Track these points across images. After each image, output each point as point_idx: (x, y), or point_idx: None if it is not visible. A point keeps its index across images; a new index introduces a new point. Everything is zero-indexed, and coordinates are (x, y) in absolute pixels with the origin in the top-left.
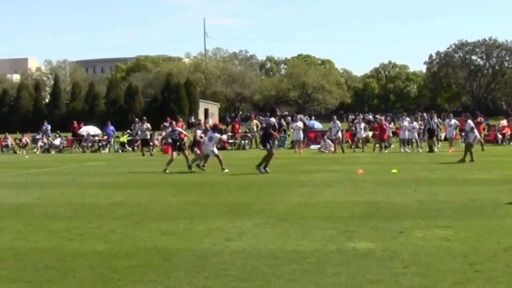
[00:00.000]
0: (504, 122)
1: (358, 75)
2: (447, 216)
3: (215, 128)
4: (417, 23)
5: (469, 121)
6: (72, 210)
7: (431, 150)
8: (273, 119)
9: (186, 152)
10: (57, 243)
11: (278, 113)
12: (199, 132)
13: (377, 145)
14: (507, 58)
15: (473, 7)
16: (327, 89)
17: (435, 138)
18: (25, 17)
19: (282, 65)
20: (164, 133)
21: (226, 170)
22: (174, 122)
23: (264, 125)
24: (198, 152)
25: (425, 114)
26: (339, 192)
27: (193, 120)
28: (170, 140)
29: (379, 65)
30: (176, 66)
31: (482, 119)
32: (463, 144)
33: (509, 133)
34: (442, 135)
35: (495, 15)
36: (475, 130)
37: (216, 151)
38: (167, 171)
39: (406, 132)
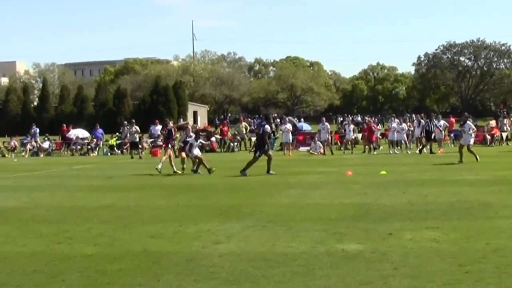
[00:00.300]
0: (492, 123)
1: (347, 77)
2: (436, 217)
3: (195, 133)
4: (405, 24)
5: (469, 122)
6: (60, 213)
7: (421, 151)
8: (268, 127)
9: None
10: (46, 246)
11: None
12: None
13: (366, 146)
14: (495, 59)
15: (461, 8)
16: (315, 91)
17: (423, 140)
18: (14, 20)
19: (271, 67)
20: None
21: (200, 172)
22: (171, 123)
23: (253, 128)
24: (183, 155)
25: (414, 115)
26: (328, 194)
27: (181, 122)
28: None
29: (368, 67)
30: (164, 69)
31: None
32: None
33: (497, 134)
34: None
35: (483, 16)
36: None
37: (193, 153)
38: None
39: (395, 134)
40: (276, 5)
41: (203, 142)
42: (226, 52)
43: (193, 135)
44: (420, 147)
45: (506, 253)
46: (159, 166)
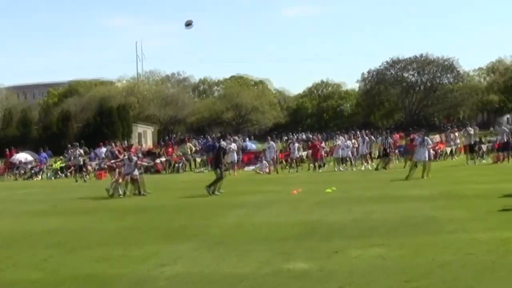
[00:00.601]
0: (437, 138)
1: (294, 94)
2: (381, 234)
3: (128, 152)
4: (352, 41)
5: (427, 138)
6: (4, 239)
7: (385, 167)
8: (224, 143)
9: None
10: None
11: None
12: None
13: (311, 164)
14: (439, 74)
15: (407, 24)
16: (260, 110)
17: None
18: None
19: (216, 87)
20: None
21: (144, 193)
22: (114, 145)
23: (198, 149)
24: (120, 180)
25: (359, 132)
26: (275, 213)
27: (126, 144)
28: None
29: (312, 85)
30: (109, 90)
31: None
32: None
33: (442, 148)
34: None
35: (428, 31)
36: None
37: (126, 171)
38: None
39: (340, 151)
40: (224, 24)
41: (145, 163)
42: (170, 73)
43: (128, 156)
44: (383, 164)
45: (452, 268)
46: (110, 188)
